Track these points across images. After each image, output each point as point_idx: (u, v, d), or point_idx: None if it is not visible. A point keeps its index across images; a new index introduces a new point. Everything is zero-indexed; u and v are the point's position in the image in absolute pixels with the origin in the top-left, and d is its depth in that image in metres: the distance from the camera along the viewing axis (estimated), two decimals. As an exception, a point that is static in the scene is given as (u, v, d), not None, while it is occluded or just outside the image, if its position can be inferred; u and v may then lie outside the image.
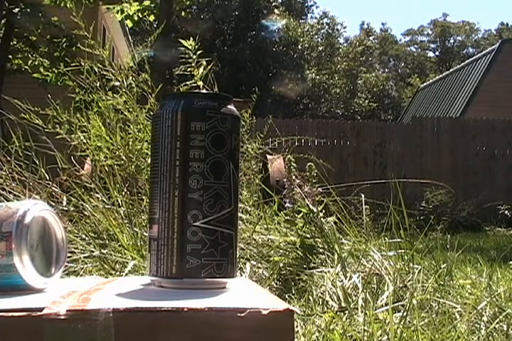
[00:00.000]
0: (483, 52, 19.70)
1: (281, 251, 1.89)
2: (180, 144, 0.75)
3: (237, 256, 0.80)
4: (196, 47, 2.50)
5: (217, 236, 0.75)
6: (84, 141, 2.20)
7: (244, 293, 0.76)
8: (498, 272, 2.29)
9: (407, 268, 1.69)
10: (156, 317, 0.59)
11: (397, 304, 1.42)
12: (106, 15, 11.49)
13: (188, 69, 2.52)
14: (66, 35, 8.66)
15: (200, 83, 2.45)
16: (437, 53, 43.03)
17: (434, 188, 8.56)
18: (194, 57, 2.49)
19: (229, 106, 0.78)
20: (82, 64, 2.30)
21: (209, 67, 2.50)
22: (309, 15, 36.72)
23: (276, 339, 0.61)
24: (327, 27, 36.14)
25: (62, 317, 0.59)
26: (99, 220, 1.89)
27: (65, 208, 1.99)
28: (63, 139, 2.21)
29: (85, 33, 2.35)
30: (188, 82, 2.47)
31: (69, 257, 1.64)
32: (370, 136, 10.16)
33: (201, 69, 2.47)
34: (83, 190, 2.01)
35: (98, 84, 2.29)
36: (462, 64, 20.96)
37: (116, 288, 0.75)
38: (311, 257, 1.82)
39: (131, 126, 2.22)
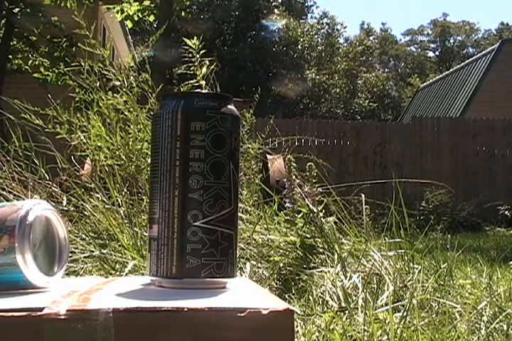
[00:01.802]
0: (483, 52, 19.69)
1: (281, 251, 1.89)
2: (181, 144, 0.75)
3: (237, 256, 0.80)
4: (200, 46, 2.50)
5: (217, 236, 0.75)
6: (85, 140, 2.20)
7: (244, 293, 0.76)
8: (498, 272, 2.29)
9: (407, 268, 1.69)
10: (156, 317, 0.59)
11: (397, 304, 1.42)
12: (106, 15, 11.49)
13: (191, 69, 2.52)
14: (66, 35, 8.66)
15: (203, 82, 2.45)
16: (437, 53, 43.03)
17: (434, 188, 8.56)
18: (197, 56, 2.49)
19: (229, 106, 0.78)
20: (83, 64, 2.30)
21: (212, 66, 2.50)
22: (309, 15, 36.76)
23: (276, 339, 0.61)
24: (327, 27, 36.14)
25: (62, 317, 0.58)
26: (99, 220, 1.89)
27: (65, 208, 1.99)
28: (63, 139, 2.21)
29: (86, 32, 2.35)
30: (190, 82, 2.47)
31: (69, 257, 1.64)
32: (370, 136, 10.16)
33: (204, 69, 2.47)
34: (83, 190, 2.01)
35: (98, 84, 2.29)
36: (462, 64, 20.96)
37: (116, 288, 0.75)
38: (311, 257, 1.82)
39: (132, 126, 2.22)
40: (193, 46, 2.50)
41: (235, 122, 0.78)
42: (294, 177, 2.10)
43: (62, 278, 0.80)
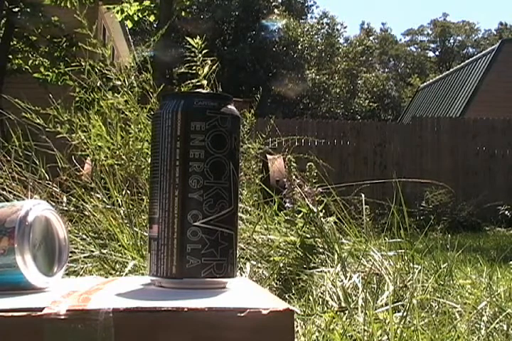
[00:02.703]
0: (483, 52, 19.69)
1: (281, 251, 1.89)
2: (181, 144, 0.74)
3: (237, 256, 0.80)
4: (202, 46, 2.50)
5: (217, 236, 0.75)
6: (85, 140, 2.20)
7: (244, 293, 0.76)
8: (498, 272, 2.29)
9: (407, 268, 1.69)
10: (156, 317, 0.59)
11: (397, 304, 1.42)
12: (106, 15, 11.49)
13: (193, 68, 2.52)
14: (66, 35, 8.66)
15: (205, 82, 2.45)
16: (437, 53, 43.03)
17: (434, 188, 8.56)
18: (200, 56, 2.49)
19: (229, 106, 0.78)
20: (83, 63, 2.30)
21: (214, 66, 2.50)
22: (309, 15, 36.78)
23: (276, 339, 0.61)
24: (327, 27, 36.13)
25: (62, 317, 0.58)
26: (99, 220, 1.89)
27: (65, 208, 1.99)
28: (63, 139, 2.21)
29: (87, 31, 2.35)
30: (192, 81, 2.47)
31: (69, 257, 1.64)
32: (370, 136, 10.16)
33: (206, 69, 2.47)
34: (83, 190, 2.01)
35: (99, 84, 2.29)
36: (462, 64, 20.95)
37: (116, 288, 0.75)
38: (311, 257, 1.82)
39: (132, 126, 2.22)
40: (196, 45, 2.50)
41: (235, 122, 0.78)
42: (294, 177, 2.10)
43: (62, 278, 0.80)
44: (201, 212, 0.74)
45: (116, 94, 2.28)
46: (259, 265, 1.80)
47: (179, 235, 0.74)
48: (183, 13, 10.05)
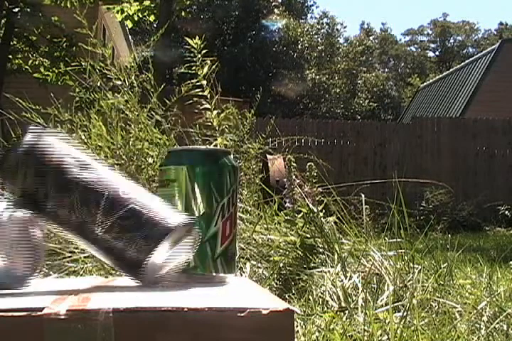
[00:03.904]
0: (483, 52, 19.69)
1: (281, 251, 1.89)
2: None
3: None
4: (202, 46, 2.50)
5: (217, 236, 0.75)
6: (85, 140, 2.20)
7: (244, 293, 0.76)
8: (498, 272, 2.29)
9: (407, 268, 1.69)
10: (156, 317, 0.59)
11: (397, 304, 1.42)
12: (106, 15, 11.49)
13: (192, 68, 2.51)
14: (66, 35, 8.67)
15: (204, 82, 2.45)
16: (437, 53, 43.02)
17: (434, 188, 8.56)
18: (199, 56, 2.49)
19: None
20: (83, 63, 2.31)
21: (213, 66, 2.50)
22: (309, 15, 36.76)
23: (276, 339, 0.61)
24: (327, 27, 36.12)
25: (62, 317, 0.58)
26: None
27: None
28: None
29: (88, 31, 2.35)
30: (192, 81, 2.47)
31: (69, 257, 1.64)
32: (370, 136, 10.15)
33: (206, 68, 2.47)
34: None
35: (99, 83, 2.29)
36: (462, 64, 20.95)
37: (116, 288, 0.75)
38: (311, 257, 1.82)
39: (132, 126, 2.22)
40: (195, 46, 2.50)
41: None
42: (294, 177, 2.10)
43: (62, 278, 0.80)
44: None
45: (116, 94, 2.28)
46: (259, 265, 1.80)
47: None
48: (183, 13, 10.05)
